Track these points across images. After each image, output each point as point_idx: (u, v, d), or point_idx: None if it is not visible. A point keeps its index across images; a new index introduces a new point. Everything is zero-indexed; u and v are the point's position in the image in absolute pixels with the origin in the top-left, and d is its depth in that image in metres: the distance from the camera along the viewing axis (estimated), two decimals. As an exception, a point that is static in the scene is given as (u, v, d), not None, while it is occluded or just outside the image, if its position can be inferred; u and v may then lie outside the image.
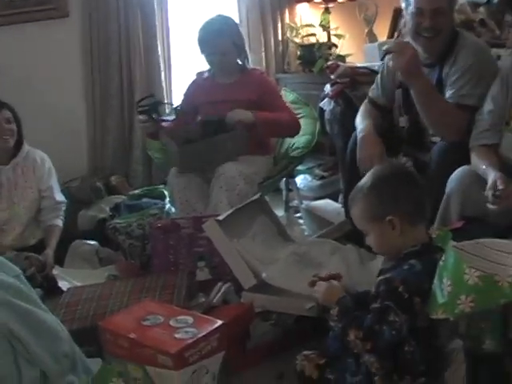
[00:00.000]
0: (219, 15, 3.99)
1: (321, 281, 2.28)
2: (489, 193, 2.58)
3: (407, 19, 3.27)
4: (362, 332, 1.96)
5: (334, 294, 2.16)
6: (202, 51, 3.90)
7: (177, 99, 4.90)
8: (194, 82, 4.15)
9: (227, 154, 3.67)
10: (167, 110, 4.47)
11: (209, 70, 4.04)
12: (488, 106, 2.96)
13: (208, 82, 4.02)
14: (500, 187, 2.55)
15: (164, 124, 3.86)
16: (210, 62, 3.94)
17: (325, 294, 2.22)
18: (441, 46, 3.17)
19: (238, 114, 3.69)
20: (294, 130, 3.93)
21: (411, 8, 3.15)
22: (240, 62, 3.98)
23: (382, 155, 3.22)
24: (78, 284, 3.30)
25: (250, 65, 4.16)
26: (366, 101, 3.62)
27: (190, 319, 2.17)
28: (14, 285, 2.03)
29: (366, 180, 2.21)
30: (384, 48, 3.27)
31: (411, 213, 2.12)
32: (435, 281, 1.93)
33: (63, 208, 3.96)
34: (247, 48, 4.07)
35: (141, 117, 3.83)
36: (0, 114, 3.76)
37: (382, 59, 3.43)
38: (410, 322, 1.95)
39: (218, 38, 3.81)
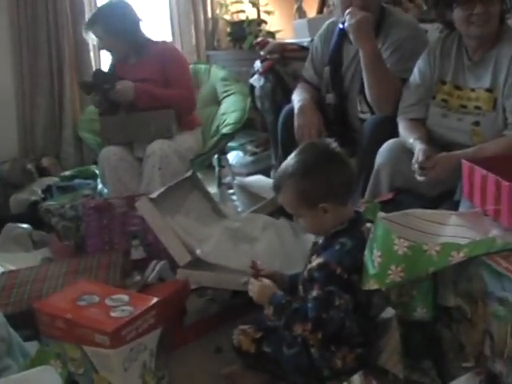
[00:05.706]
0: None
1: (253, 278, 2.23)
2: (415, 166, 2.64)
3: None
4: (310, 324, 1.97)
5: (267, 294, 2.13)
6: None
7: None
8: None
9: (154, 131, 3.69)
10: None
11: None
12: (415, 80, 2.99)
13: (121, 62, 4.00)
14: (420, 159, 2.61)
15: None
16: None
17: (258, 293, 2.17)
18: None
19: (120, 95, 3.73)
20: (185, 108, 3.91)
21: None
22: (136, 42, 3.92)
23: (321, 124, 3.23)
24: (12, 268, 3.24)
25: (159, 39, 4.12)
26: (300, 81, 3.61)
27: (126, 297, 2.17)
28: None
29: (294, 165, 2.11)
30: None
31: (343, 195, 2.09)
32: (366, 253, 1.97)
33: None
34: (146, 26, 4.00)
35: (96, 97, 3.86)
36: None
37: (342, 24, 3.28)
38: (353, 300, 1.98)
39: (91, 27, 3.88)
